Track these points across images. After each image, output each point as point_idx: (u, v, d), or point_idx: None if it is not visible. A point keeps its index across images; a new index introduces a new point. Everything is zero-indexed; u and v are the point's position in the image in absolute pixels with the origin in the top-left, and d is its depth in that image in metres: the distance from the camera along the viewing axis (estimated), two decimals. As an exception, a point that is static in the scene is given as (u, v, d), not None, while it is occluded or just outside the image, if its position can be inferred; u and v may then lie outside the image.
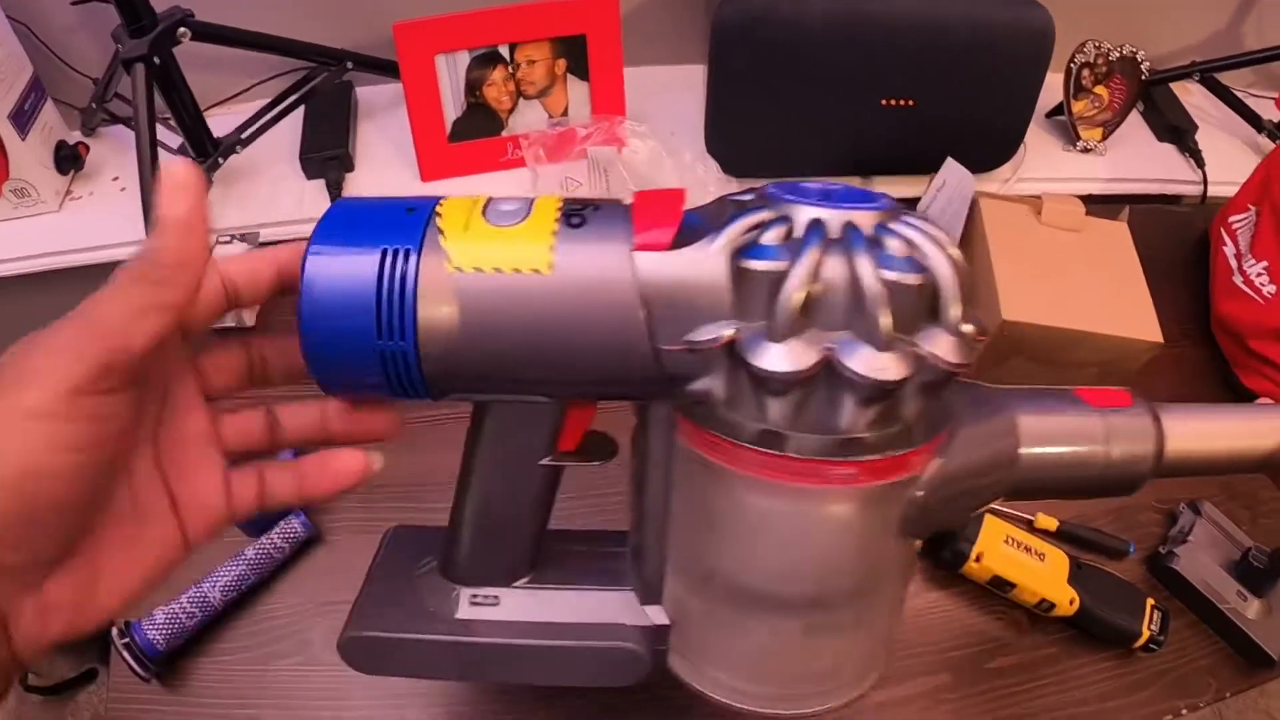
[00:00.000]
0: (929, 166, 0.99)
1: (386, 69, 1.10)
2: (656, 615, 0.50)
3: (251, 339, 0.42)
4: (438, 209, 0.39)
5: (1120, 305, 0.92)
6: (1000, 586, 0.82)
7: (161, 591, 0.70)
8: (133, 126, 0.94)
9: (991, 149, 1.13)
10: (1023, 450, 0.46)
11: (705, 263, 0.37)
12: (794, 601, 0.45)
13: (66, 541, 0.33)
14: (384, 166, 1.14)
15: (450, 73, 1.04)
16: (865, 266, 0.36)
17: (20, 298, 1.18)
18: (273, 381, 0.43)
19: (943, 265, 0.37)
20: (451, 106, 1.06)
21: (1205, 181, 1.21)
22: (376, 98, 1.21)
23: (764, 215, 0.38)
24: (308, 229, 0.39)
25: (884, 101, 1.03)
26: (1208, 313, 1.08)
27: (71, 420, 0.31)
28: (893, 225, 0.38)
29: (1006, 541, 0.82)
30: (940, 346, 0.37)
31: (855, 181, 1.15)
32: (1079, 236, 0.97)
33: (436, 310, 0.38)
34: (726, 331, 0.37)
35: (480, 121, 1.09)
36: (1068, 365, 0.93)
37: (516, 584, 0.51)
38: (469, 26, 1.02)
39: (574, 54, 1.07)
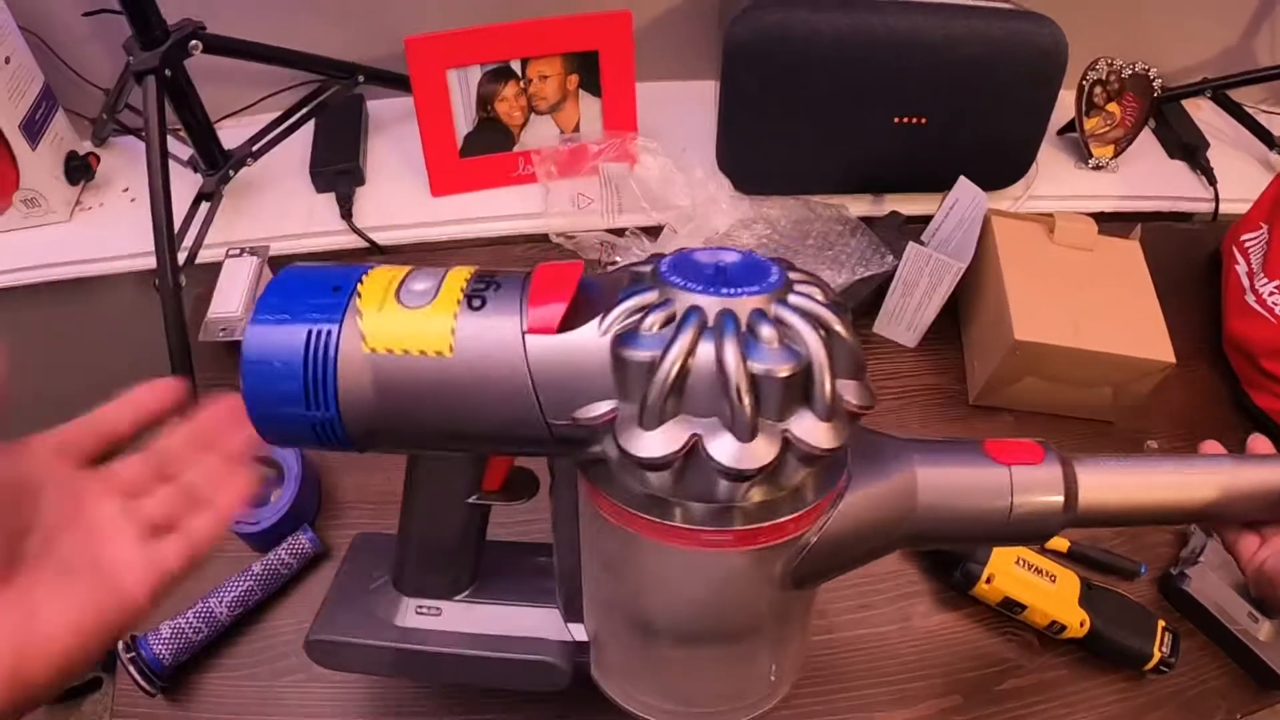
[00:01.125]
0: (941, 184, 0.99)
1: (398, 83, 1.10)
2: (577, 632, 0.57)
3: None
4: (359, 287, 0.43)
5: (1132, 325, 0.91)
6: (1011, 608, 0.82)
7: (168, 606, 0.69)
8: (143, 138, 0.94)
9: (1004, 167, 1.13)
10: (920, 503, 0.48)
11: (588, 347, 0.41)
12: (685, 637, 0.50)
13: None
14: (395, 180, 1.14)
15: (462, 87, 1.04)
16: (732, 358, 0.38)
17: (30, 307, 1.18)
18: None
19: (817, 350, 0.39)
20: (463, 121, 1.06)
21: (1217, 199, 1.21)
22: (388, 111, 1.21)
23: (649, 299, 0.41)
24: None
25: (896, 119, 1.03)
26: (1219, 331, 1.08)
27: None
28: (774, 309, 0.40)
29: (1018, 563, 0.81)
30: (810, 431, 0.39)
31: (867, 200, 1.15)
32: (1091, 255, 0.97)
33: (355, 385, 0.42)
34: (607, 408, 0.40)
35: (492, 136, 1.09)
36: (1081, 385, 0.93)
37: (457, 597, 0.58)
38: (481, 41, 1.01)
39: (586, 70, 1.06)
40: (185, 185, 1.03)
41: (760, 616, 0.50)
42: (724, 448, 0.38)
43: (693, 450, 0.39)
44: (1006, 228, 0.97)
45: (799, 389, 0.39)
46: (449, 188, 1.11)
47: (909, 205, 1.11)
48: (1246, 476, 0.53)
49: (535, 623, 0.58)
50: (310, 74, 1.10)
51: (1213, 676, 0.85)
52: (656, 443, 0.39)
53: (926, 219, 1.01)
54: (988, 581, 0.81)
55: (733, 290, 0.41)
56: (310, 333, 0.42)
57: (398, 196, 1.12)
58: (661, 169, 1.00)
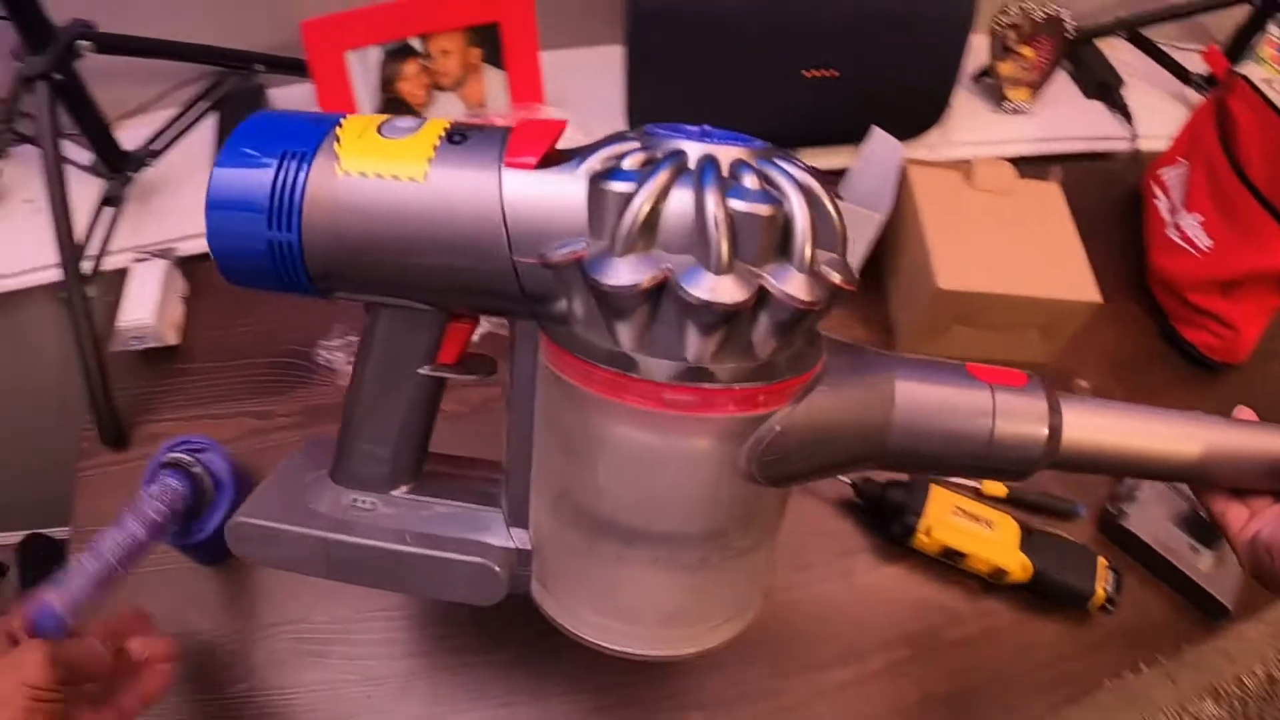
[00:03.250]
0: (857, 137, 0.98)
1: (297, 69, 1.06)
2: (520, 539, 0.52)
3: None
4: (341, 122, 0.44)
5: (1057, 267, 0.91)
6: (952, 558, 0.82)
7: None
8: (40, 145, 0.91)
9: (918, 114, 1.12)
10: (897, 414, 0.45)
11: (566, 183, 0.40)
12: (638, 533, 0.45)
13: None
14: (304, 170, 1.11)
15: (363, 69, 1.01)
16: (711, 193, 0.37)
17: (-64, 329, 1.14)
18: None
19: (798, 203, 0.38)
20: (366, 103, 1.03)
21: (1135, 136, 1.21)
22: (290, 99, 1.17)
23: (631, 145, 0.41)
24: None
25: (806, 73, 1.02)
26: (1145, 268, 1.08)
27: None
28: (757, 162, 0.40)
29: (954, 512, 0.81)
30: (787, 282, 0.38)
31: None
32: (1011, 199, 0.96)
33: (321, 208, 0.42)
34: (577, 247, 0.39)
35: (398, 117, 1.06)
36: (1008, 330, 0.93)
37: (394, 492, 0.53)
38: (379, 20, 0.98)
39: (488, 43, 1.04)
40: (90, 191, 0.99)
41: (721, 512, 0.45)
42: (698, 281, 0.37)
43: (663, 290, 0.38)
44: (924, 176, 0.96)
45: (777, 238, 0.39)
46: (358, 173, 1.08)
47: (826, 159, 1.10)
48: (1235, 439, 0.50)
49: (474, 524, 0.52)
50: (208, 66, 1.07)
51: (1157, 610, 0.86)
52: (626, 270, 0.37)
53: (842, 173, 1.00)
54: (926, 534, 0.81)
55: (717, 140, 0.41)
56: (285, 155, 0.42)
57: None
58: (569, 136, 0.98)
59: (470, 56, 1.04)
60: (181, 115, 1.06)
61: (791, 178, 0.39)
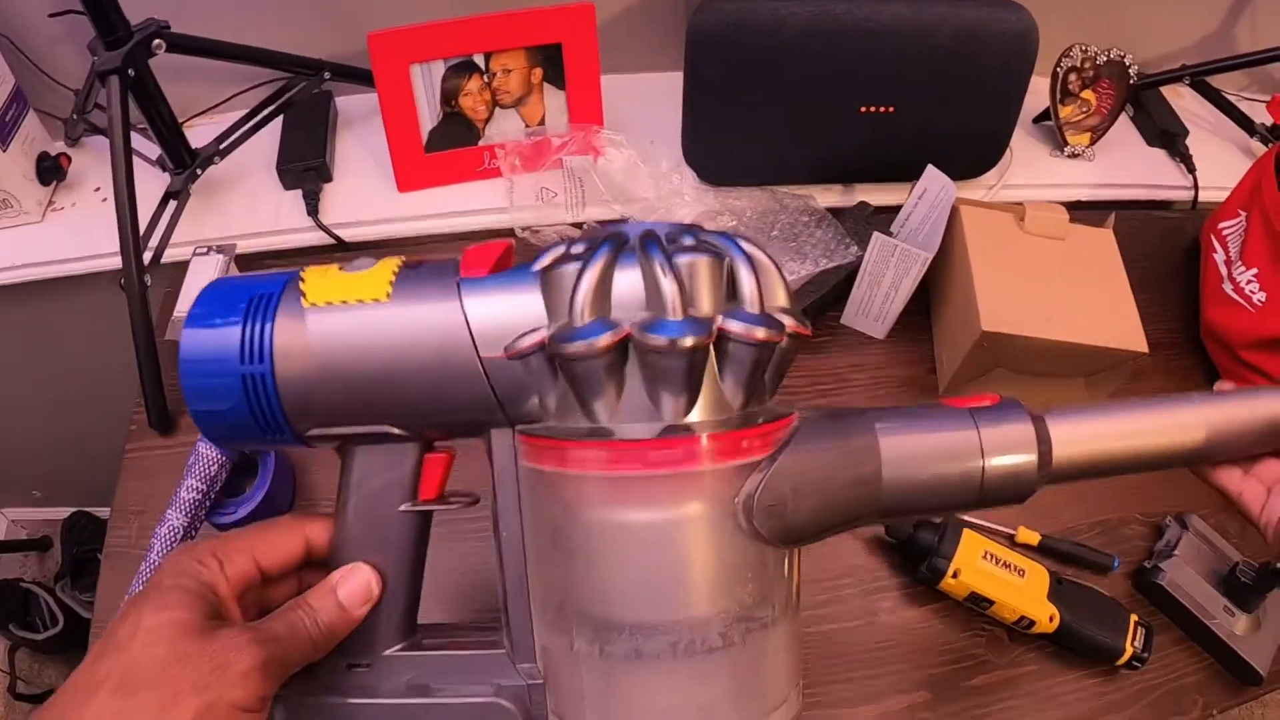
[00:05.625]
0: (913, 174, 0.97)
1: (365, 79, 1.09)
2: (529, 673, 0.48)
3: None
4: (302, 272, 0.45)
5: (1104, 315, 0.90)
6: (978, 603, 0.81)
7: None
8: (110, 137, 0.94)
9: (976, 155, 1.11)
10: (885, 466, 0.44)
11: (519, 280, 0.43)
12: (648, 626, 0.42)
13: None
14: (361, 177, 1.14)
15: (426, 82, 1.03)
16: (657, 254, 0.40)
17: (4, 309, 1.18)
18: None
19: (739, 255, 0.41)
20: (428, 116, 1.05)
21: (1196, 187, 1.19)
22: (356, 108, 1.20)
23: (575, 238, 0.43)
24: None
25: (862, 109, 1.02)
26: (1197, 320, 1.07)
27: (256, 712, 0.41)
28: (695, 233, 0.42)
29: (985, 557, 0.80)
30: (741, 321, 0.40)
31: (836, 190, 1.14)
32: (1063, 244, 0.95)
33: (291, 337, 0.43)
34: (539, 333, 0.41)
35: (456, 131, 1.08)
36: (1052, 377, 0.92)
37: (388, 651, 0.50)
38: (444, 36, 1.00)
39: (550, 63, 1.05)
40: (154, 184, 1.02)
41: (730, 577, 0.42)
42: (657, 328, 0.39)
43: (627, 356, 0.40)
44: (975, 217, 0.95)
45: (724, 287, 0.41)
46: (414, 183, 1.10)
47: (879, 195, 1.10)
48: (1230, 411, 0.49)
49: (479, 667, 0.49)
50: (277, 71, 1.10)
51: (1188, 671, 0.84)
52: (588, 335, 0.39)
53: (897, 209, 1.00)
54: (954, 576, 0.80)
55: (654, 226, 0.43)
56: (253, 298, 0.44)
57: (364, 193, 1.12)
58: (625, 161, 0.99)
59: (532, 76, 1.06)
60: (249, 117, 1.09)
61: (728, 238, 0.42)
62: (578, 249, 0.42)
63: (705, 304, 0.40)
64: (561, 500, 0.43)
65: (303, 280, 0.45)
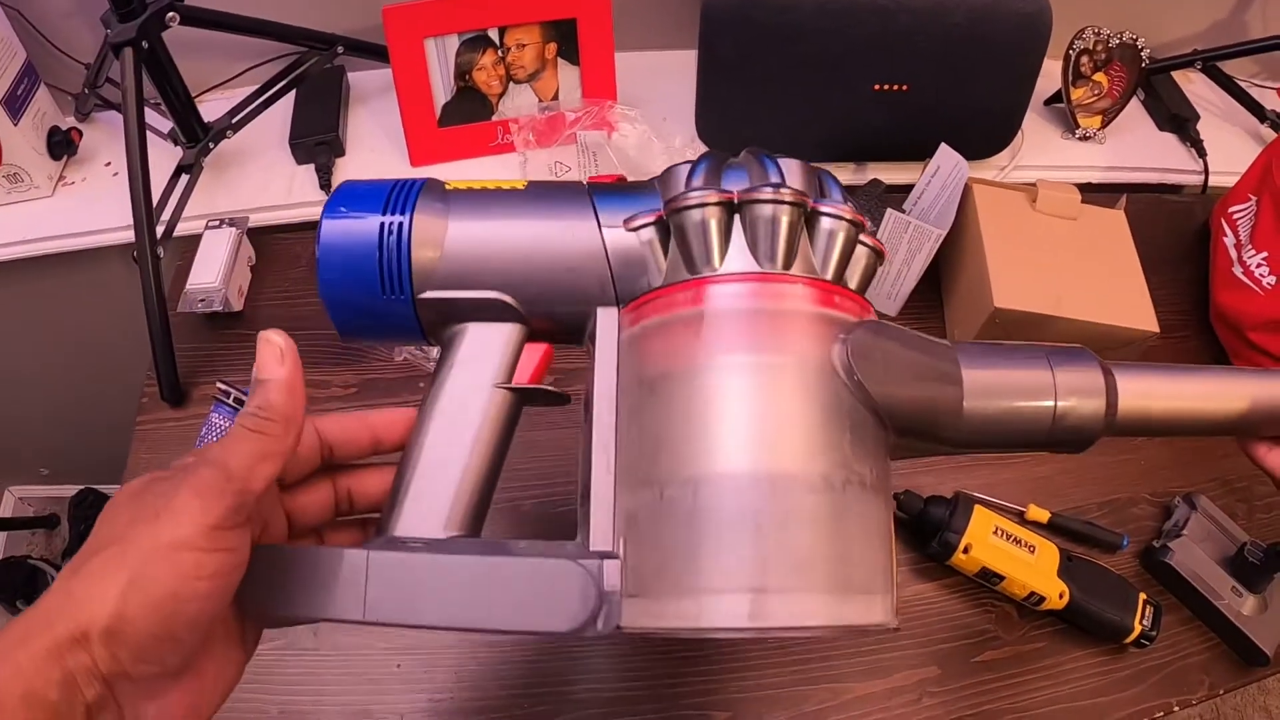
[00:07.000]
0: (926, 153, 0.97)
1: (378, 53, 1.09)
2: (609, 571, 0.42)
3: (338, 475, 0.49)
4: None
5: (1115, 294, 0.90)
6: (989, 579, 0.81)
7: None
8: (123, 110, 0.94)
9: (988, 136, 1.11)
10: (968, 393, 0.45)
11: (638, 188, 0.48)
12: (741, 470, 0.40)
13: (190, 656, 0.38)
14: (374, 151, 1.14)
15: (440, 57, 1.03)
16: (759, 154, 0.47)
17: (13, 283, 1.18)
18: (359, 510, 0.50)
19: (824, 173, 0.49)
20: (441, 91, 1.05)
21: (1206, 171, 1.19)
22: (369, 82, 1.20)
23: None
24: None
25: (876, 87, 1.02)
26: (1207, 303, 1.07)
27: (210, 551, 0.36)
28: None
29: (995, 533, 0.81)
30: (831, 203, 0.46)
31: (849, 168, 1.14)
32: (1074, 224, 0.96)
33: (431, 201, 0.47)
34: (657, 210, 0.46)
35: (470, 106, 1.08)
36: (1061, 355, 0.92)
37: (446, 534, 0.46)
38: (458, 10, 1.00)
39: (565, 38, 1.05)
40: (166, 158, 1.02)
41: (830, 423, 0.41)
42: (763, 186, 0.44)
43: (733, 215, 0.44)
44: (988, 196, 0.96)
45: (815, 183, 0.47)
46: (428, 157, 1.10)
47: (892, 174, 1.10)
48: (1276, 386, 0.51)
49: (549, 549, 0.44)
50: (290, 45, 1.10)
51: (1195, 651, 0.85)
52: (700, 192, 0.44)
53: (910, 187, 1.00)
54: (965, 551, 0.80)
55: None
56: (399, 183, 0.48)
57: (377, 167, 1.12)
58: (639, 137, 0.99)
59: (546, 51, 1.06)
60: (261, 91, 1.09)
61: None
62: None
63: (799, 186, 0.46)
64: (664, 350, 0.43)
65: (446, 181, 0.50)
